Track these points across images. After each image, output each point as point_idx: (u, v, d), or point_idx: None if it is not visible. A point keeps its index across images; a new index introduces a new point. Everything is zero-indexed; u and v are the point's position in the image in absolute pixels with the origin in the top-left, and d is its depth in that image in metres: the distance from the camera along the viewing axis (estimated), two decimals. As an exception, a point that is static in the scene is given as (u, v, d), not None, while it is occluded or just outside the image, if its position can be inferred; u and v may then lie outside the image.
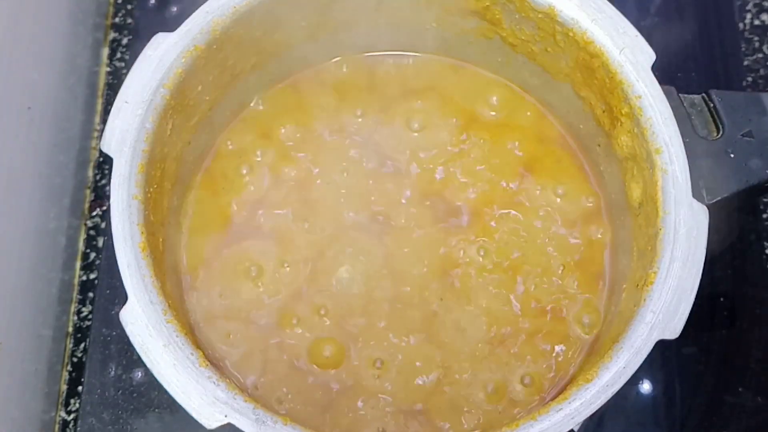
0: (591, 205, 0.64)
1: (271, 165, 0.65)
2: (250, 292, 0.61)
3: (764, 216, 0.78)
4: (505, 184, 0.64)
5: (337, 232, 0.63)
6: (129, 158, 0.53)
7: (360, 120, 0.66)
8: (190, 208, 0.63)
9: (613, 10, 0.57)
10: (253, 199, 0.63)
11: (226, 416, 0.47)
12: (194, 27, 0.57)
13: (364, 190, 0.64)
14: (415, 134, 0.66)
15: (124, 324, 0.49)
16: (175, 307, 0.52)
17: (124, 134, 0.53)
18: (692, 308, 0.51)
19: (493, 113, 0.67)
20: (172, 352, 0.48)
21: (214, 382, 0.48)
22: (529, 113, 0.67)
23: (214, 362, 0.54)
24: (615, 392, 0.49)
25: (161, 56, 0.56)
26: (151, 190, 0.54)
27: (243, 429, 0.47)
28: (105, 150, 0.53)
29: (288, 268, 0.61)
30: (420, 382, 0.58)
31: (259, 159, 0.65)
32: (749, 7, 0.88)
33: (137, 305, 0.49)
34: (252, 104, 0.66)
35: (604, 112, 0.60)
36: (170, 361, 0.48)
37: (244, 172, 0.64)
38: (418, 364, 0.59)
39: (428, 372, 0.59)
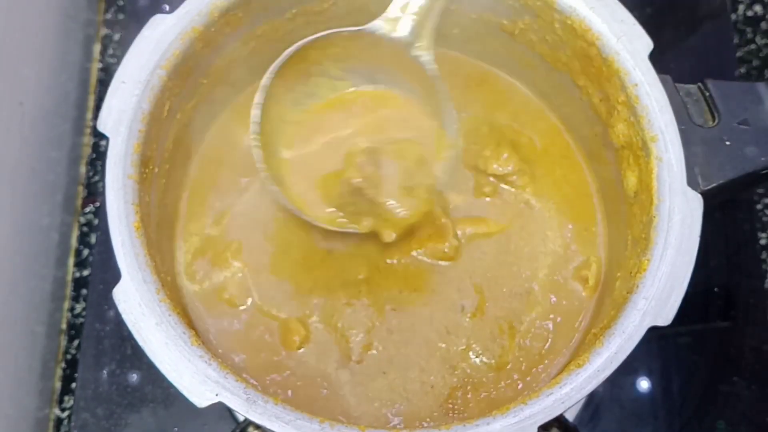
0: (586, 195, 0.64)
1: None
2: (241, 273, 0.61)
3: (758, 207, 0.78)
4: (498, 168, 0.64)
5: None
6: (125, 138, 0.53)
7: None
8: (188, 190, 0.63)
9: (611, -1, 0.57)
10: (249, 183, 0.63)
11: (217, 395, 0.47)
12: (192, 9, 0.57)
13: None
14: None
15: (116, 302, 0.49)
16: (168, 287, 0.52)
17: (120, 114, 0.54)
18: (687, 298, 0.51)
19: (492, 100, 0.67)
20: (165, 331, 0.49)
21: (206, 361, 0.48)
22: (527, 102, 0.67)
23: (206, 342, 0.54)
24: (606, 378, 0.48)
25: (159, 37, 0.56)
26: (147, 170, 0.55)
27: (234, 408, 0.47)
28: (101, 129, 0.53)
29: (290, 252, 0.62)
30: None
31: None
32: (741, -3, 0.88)
33: (130, 283, 0.50)
34: (251, 88, 0.66)
35: (601, 101, 0.60)
36: (162, 340, 0.48)
37: (242, 155, 0.64)
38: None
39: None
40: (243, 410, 0.47)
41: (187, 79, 0.58)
